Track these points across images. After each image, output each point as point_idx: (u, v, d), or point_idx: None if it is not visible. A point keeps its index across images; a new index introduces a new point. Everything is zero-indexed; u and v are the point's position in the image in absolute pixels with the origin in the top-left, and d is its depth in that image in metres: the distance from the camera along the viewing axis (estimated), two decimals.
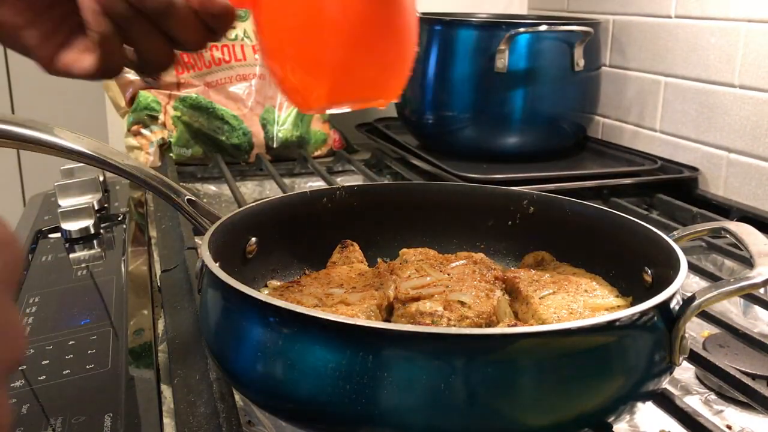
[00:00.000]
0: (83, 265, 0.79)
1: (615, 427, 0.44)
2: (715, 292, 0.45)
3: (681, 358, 0.46)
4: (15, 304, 0.26)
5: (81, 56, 0.51)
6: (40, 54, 0.52)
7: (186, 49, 0.51)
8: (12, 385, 0.54)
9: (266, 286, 0.65)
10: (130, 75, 1.25)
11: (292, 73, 0.48)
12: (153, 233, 0.89)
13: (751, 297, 0.71)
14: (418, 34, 0.48)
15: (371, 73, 0.47)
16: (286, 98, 0.47)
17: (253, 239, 0.63)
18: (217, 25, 0.50)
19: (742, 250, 0.53)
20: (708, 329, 0.69)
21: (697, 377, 0.62)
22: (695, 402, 0.59)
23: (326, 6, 0.45)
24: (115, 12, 0.47)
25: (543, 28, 1.11)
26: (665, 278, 0.50)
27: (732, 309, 0.77)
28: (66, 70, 0.52)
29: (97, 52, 0.49)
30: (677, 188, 1.08)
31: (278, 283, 0.64)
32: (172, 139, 1.23)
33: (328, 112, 0.48)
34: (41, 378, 0.55)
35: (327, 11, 0.45)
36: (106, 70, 0.51)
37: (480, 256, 0.67)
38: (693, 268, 0.77)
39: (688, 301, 0.46)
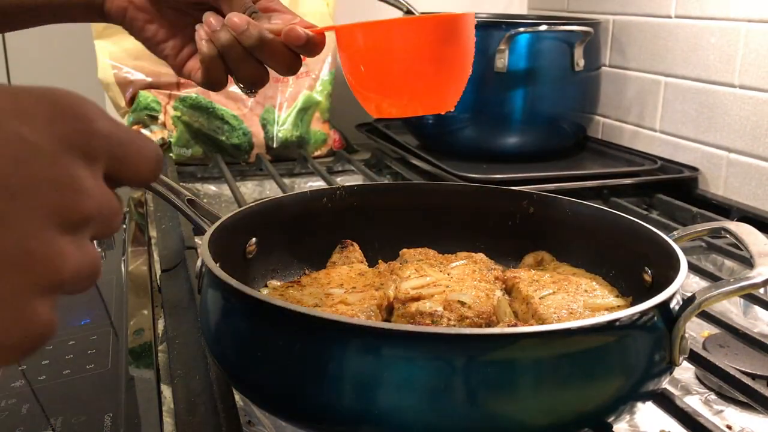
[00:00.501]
0: None
1: (615, 427, 0.44)
2: (715, 292, 0.45)
3: (681, 358, 0.46)
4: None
5: (198, 68, 0.63)
6: (173, 62, 0.65)
7: (278, 72, 0.61)
8: (12, 385, 0.54)
9: (266, 286, 0.65)
10: (130, 75, 1.25)
11: (371, 99, 0.59)
12: (153, 233, 0.89)
13: (751, 297, 0.71)
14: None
15: (433, 97, 0.58)
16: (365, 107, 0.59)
17: (253, 239, 0.63)
18: (304, 53, 0.59)
19: (742, 250, 0.53)
20: (708, 329, 0.69)
21: (697, 377, 0.62)
22: (695, 402, 0.59)
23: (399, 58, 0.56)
24: (219, 41, 0.58)
25: (543, 28, 1.11)
26: (665, 278, 0.50)
27: (732, 309, 0.77)
28: (188, 76, 0.64)
29: (203, 68, 0.61)
30: (677, 188, 1.08)
31: (278, 283, 0.64)
32: (172, 139, 1.23)
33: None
34: (41, 378, 0.55)
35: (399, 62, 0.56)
36: (210, 83, 0.61)
37: (480, 256, 0.67)
38: (693, 268, 0.77)
39: (688, 301, 0.46)
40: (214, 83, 0.61)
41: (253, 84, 0.62)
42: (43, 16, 0.63)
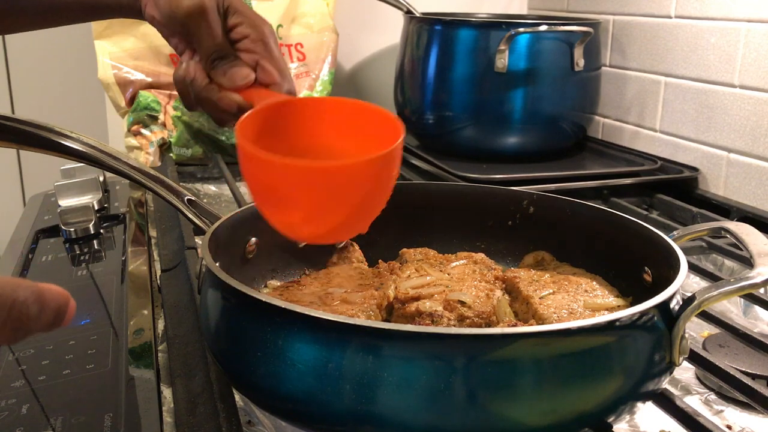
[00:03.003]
0: (83, 265, 0.79)
1: (615, 427, 0.44)
2: (715, 292, 0.45)
3: (681, 358, 0.46)
4: None
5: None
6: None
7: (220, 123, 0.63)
8: (12, 385, 0.54)
9: (266, 286, 0.65)
10: (130, 75, 1.25)
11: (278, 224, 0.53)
12: (153, 233, 0.89)
13: (751, 297, 0.71)
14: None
15: (348, 228, 0.53)
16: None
17: (253, 239, 0.63)
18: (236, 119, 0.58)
19: (742, 250, 0.53)
20: (708, 329, 0.69)
21: (697, 377, 0.62)
22: (695, 402, 0.59)
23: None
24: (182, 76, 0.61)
25: (543, 28, 1.11)
26: (665, 278, 0.50)
27: (732, 309, 0.77)
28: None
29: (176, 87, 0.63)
30: (677, 188, 1.08)
31: (278, 283, 0.64)
32: (172, 139, 1.23)
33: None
34: (41, 378, 0.55)
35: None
36: (182, 101, 0.64)
37: (480, 256, 0.67)
38: (693, 268, 0.77)
39: (688, 301, 0.46)
40: (184, 105, 0.64)
41: (215, 121, 0.63)
42: (96, 13, 0.65)
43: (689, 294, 0.46)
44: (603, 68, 1.27)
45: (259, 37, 0.61)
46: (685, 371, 0.63)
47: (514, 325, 0.53)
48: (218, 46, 0.59)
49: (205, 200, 0.91)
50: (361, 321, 0.41)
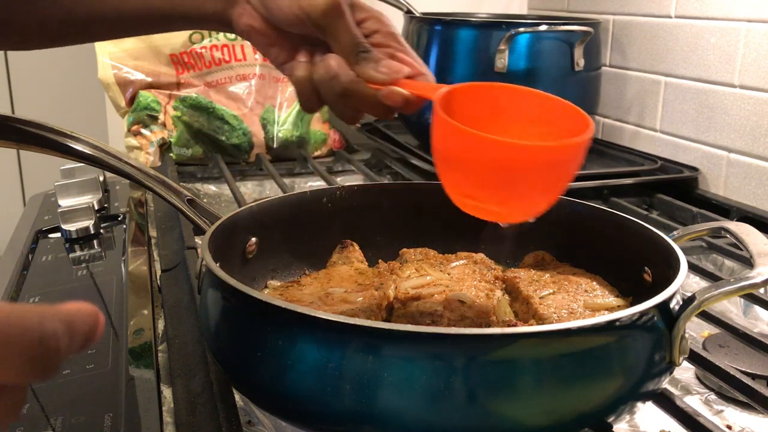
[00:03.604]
0: (83, 265, 0.79)
1: (615, 427, 0.44)
2: (715, 292, 0.45)
3: (681, 358, 0.46)
4: None
5: None
6: (284, 73, 0.62)
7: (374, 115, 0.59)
8: None
9: (266, 286, 0.65)
10: (130, 75, 1.25)
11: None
12: (153, 233, 0.89)
13: (751, 297, 0.71)
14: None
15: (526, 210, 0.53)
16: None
17: (253, 239, 0.63)
18: (402, 111, 0.58)
19: (742, 250, 0.53)
20: (708, 329, 0.69)
21: (697, 377, 0.62)
22: (695, 402, 0.59)
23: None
24: (313, 75, 0.57)
25: (543, 28, 1.11)
26: (665, 278, 0.50)
27: (732, 309, 0.77)
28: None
29: (295, 91, 0.60)
30: (677, 188, 1.08)
31: (278, 283, 0.64)
32: (172, 139, 1.23)
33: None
34: None
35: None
36: (301, 106, 0.61)
37: (480, 256, 0.67)
38: (693, 268, 0.77)
39: (688, 301, 0.46)
40: (306, 107, 0.60)
41: (345, 119, 0.60)
42: (175, 24, 0.63)
43: (689, 294, 0.46)
44: (603, 68, 1.27)
45: (389, 31, 0.60)
46: (685, 371, 0.63)
47: (514, 325, 0.53)
48: (359, 41, 0.57)
49: (205, 200, 0.91)
50: (361, 321, 0.41)
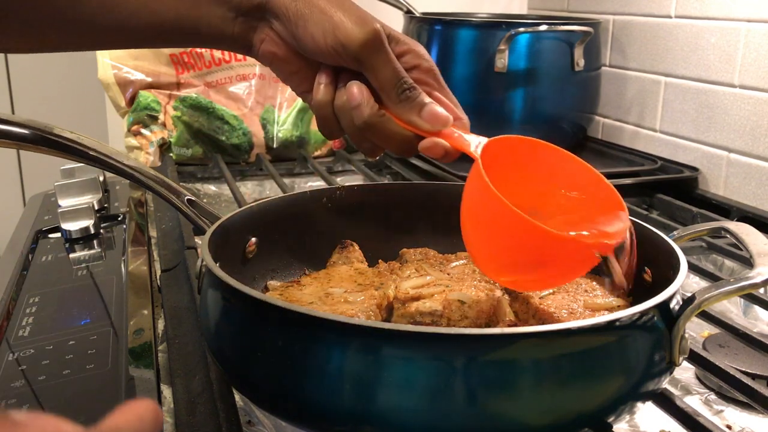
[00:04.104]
0: (83, 265, 0.79)
1: (615, 427, 0.44)
2: (715, 292, 0.45)
3: (681, 358, 0.46)
4: None
5: None
6: (306, 101, 0.59)
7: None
8: (12, 385, 0.54)
9: (266, 286, 0.65)
10: (130, 75, 1.25)
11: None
12: (153, 233, 0.89)
13: (751, 297, 0.71)
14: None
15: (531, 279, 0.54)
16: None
17: (253, 239, 0.63)
18: (438, 161, 0.56)
19: (742, 250, 0.53)
20: (708, 329, 0.69)
21: (697, 377, 0.62)
22: (695, 402, 0.59)
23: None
24: (335, 101, 0.55)
25: (543, 28, 1.11)
26: (665, 278, 0.50)
27: (732, 309, 0.77)
28: None
29: (314, 113, 0.56)
30: (677, 188, 1.08)
31: (278, 283, 0.64)
32: (172, 139, 1.23)
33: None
34: (41, 378, 0.55)
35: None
36: (321, 130, 0.57)
37: None
38: (693, 268, 0.77)
39: (688, 301, 0.46)
40: (326, 133, 0.57)
41: (364, 152, 0.58)
42: (189, 41, 0.59)
43: (689, 294, 0.46)
44: (603, 68, 1.27)
45: (429, 67, 0.56)
46: (685, 371, 0.63)
47: (514, 325, 0.53)
48: (402, 77, 0.53)
49: (205, 200, 0.91)
50: (361, 321, 0.41)
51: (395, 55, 0.54)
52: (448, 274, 0.63)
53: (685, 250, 0.53)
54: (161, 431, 0.29)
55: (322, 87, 0.55)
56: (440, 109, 0.54)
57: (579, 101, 1.21)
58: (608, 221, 0.52)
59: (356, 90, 0.53)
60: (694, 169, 1.10)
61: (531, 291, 0.56)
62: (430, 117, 0.53)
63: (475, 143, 0.53)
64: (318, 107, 0.55)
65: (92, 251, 0.84)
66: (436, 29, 1.19)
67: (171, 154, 1.23)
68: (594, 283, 0.60)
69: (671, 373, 0.47)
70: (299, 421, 0.45)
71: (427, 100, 0.54)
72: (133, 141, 1.25)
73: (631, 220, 0.61)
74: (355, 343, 0.41)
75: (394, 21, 1.31)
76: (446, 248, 0.69)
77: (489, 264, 0.53)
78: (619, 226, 0.50)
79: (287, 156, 1.30)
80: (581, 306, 0.56)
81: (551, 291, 0.59)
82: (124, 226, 0.92)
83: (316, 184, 1.21)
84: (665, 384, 0.48)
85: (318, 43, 0.53)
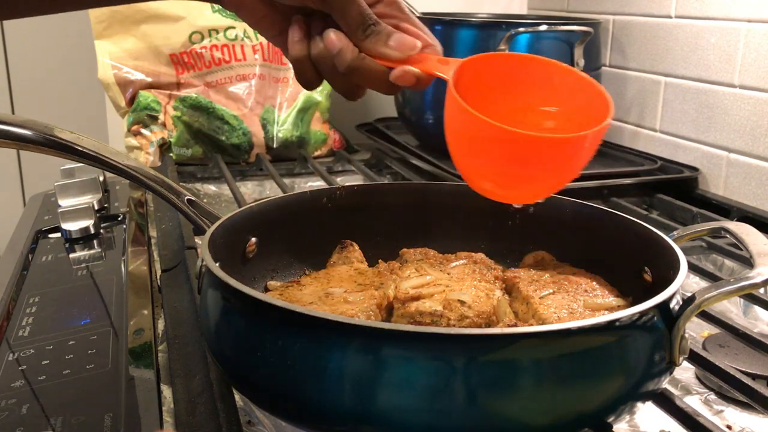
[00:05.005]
0: (83, 265, 0.79)
1: (615, 427, 0.44)
2: (715, 292, 0.45)
3: (681, 358, 0.46)
4: None
5: None
6: (277, 45, 0.59)
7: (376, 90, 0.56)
8: (12, 385, 0.54)
9: (266, 286, 0.65)
10: (130, 75, 1.25)
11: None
12: (153, 233, 0.89)
13: (751, 297, 0.71)
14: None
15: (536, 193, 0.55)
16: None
17: (253, 239, 0.63)
18: (412, 89, 0.55)
19: (742, 250, 0.53)
20: (708, 329, 0.69)
21: (697, 377, 0.62)
22: (695, 402, 0.59)
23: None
24: (311, 50, 0.55)
25: (543, 27, 1.11)
26: (665, 278, 0.50)
27: (732, 309, 0.77)
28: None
29: (293, 68, 0.57)
30: (677, 188, 1.08)
31: (278, 283, 0.64)
32: (172, 139, 1.23)
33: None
34: (41, 378, 0.55)
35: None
36: (301, 83, 0.57)
37: (480, 256, 0.67)
38: (693, 268, 0.77)
39: (688, 301, 0.46)
40: (305, 84, 0.58)
41: (346, 95, 0.58)
42: None
43: (689, 294, 0.46)
44: (603, 68, 1.27)
45: (391, 0, 0.57)
46: (685, 371, 0.63)
47: (514, 325, 0.53)
48: (366, 13, 0.53)
49: (205, 200, 0.91)
50: (361, 321, 0.41)
51: None
52: (448, 274, 0.63)
53: (685, 250, 0.54)
54: None
55: (296, 41, 0.55)
56: (407, 37, 0.55)
57: None
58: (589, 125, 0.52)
59: (334, 36, 0.54)
60: (694, 169, 1.10)
61: (528, 202, 0.56)
62: (398, 44, 0.54)
63: (453, 66, 0.54)
64: (295, 60, 0.56)
65: (92, 251, 0.84)
66: (436, 29, 1.19)
67: (171, 154, 1.23)
68: (594, 283, 0.60)
69: (671, 373, 0.47)
70: (299, 421, 0.45)
71: (393, 30, 0.55)
72: (133, 141, 1.25)
73: (630, 219, 0.62)
74: (355, 343, 0.41)
75: None
76: (446, 248, 0.69)
77: (476, 178, 0.53)
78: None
79: (287, 156, 1.30)
80: (581, 306, 0.56)
81: (551, 291, 0.59)
82: (124, 226, 0.92)
83: (316, 184, 1.21)
84: (665, 384, 0.48)
85: None
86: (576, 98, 0.54)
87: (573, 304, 0.57)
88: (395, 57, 0.54)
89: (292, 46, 0.56)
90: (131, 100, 1.26)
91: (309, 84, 0.57)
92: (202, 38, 1.28)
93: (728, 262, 0.87)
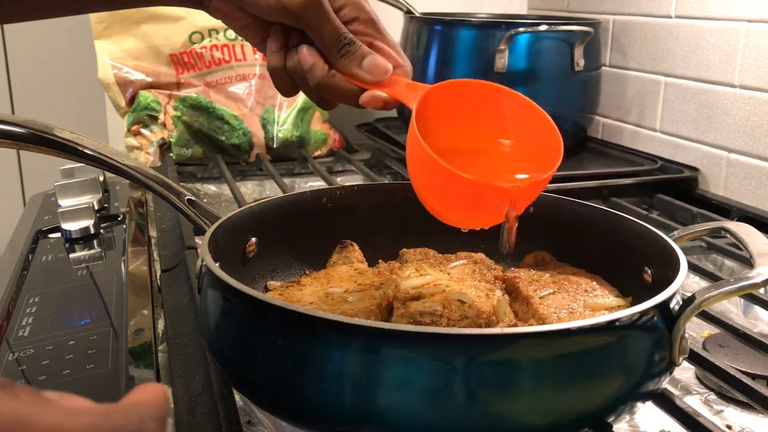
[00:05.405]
0: (83, 265, 0.80)
1: (615, 427, 0.44)
2: (715, 292, 0.45)
3: (681, 358, 0.46)
4: None
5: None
6: (261, 51, 0.61)
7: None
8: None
9: (266, 286, 0.65)
10: (130, 75, 1.25)
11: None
12: (153, 233, 0.89)
13: (751, 297, 0.71)
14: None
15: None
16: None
17: (253, 239, 0.63)
18: (381, 109, 0.57)
19: (742, 250, 0.53)
20: (708, 329, 0.69)
21: (697, 377, 0.62)
22: (695, 402, 0.59)
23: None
24: (287, 62, 0.57)
25: (543, 28, 1.11)
26: (665, 278, 0.50)
27: (732, 309, 0.77)
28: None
29: (270, 75, 0.59)
30: (677, 188, 1.08)
31: (278, 283, 0.64)
32: (172, 139, 1.23)
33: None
34: (41, 378, 0.55)
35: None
36: (278, 90, 0.59)
37: (480, 256, 0.67)
38: (693, 268, 0.77)
39: (688, 301, 0.46)
40: (282, 92, 0.60)
41: (319, 105, 0.60)
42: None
43: (689, 294, 0.46)
44: (603, 68, 1.27)
45: (368, 18, 0.58)
46: (685, 371, 0.63)
47: (514, 325, 0.53)
48: (340, 33, 0.55)
49: (205, 200, 0.91)
50: (361, 321, 0.41)
51: (334, 9, 0.56)
52: (448, 274, 0.63)
53: (685, 250, 0.54)
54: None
55: (274, 52, 0.57)
56: (380, 60, 0.56)
57: (579, 101, 1.21)
58: (537, 168, 0.55)
59: (306, 53, 0.55)
60: (694, 169, 1.10)
61: (475, 228, 0.58)
62: (371, 68, 0.55)
63: (420, 92, 0.55)
64: (271, 70, 0.58)
65: (92, 251, 0.84)
66: (436, 29, 1.19)
67: (171, 154, 1.23)
68: (594, 283, 0.61)
69: (671, 373, 0.47)
70: (299, 421, 0.45)
71: (367, 51, 0.56)
72: (133, 141, 1.25)
73: (630, 219, 0.62)
74: (355, 343, 0.41)
75: (394, 21, 1.31)
76: (446, 248, 0.69)
77: (433, 207, 0.55)
78: (540, 176, 0.53)
79: (287, 156, 1.30)
80: (581, 306, 0.56)
81: (551, 291, 0.59)
82: (124, 226, 0.92)
83: (316, 184, 1.21)
84: (665, 384, 0.48)
85: (260, 4, 0.55)
86: (532, 130, 0.56)
87: (573, 304, 0.57)
88: (367, 80, 0.55)
89: (269, 56, 0.58)
90: (131, 100, 1.26)
91: (285, 92, 0.59)
92: (202, 38, 1.28)
93: (728, 262, 0.87)
